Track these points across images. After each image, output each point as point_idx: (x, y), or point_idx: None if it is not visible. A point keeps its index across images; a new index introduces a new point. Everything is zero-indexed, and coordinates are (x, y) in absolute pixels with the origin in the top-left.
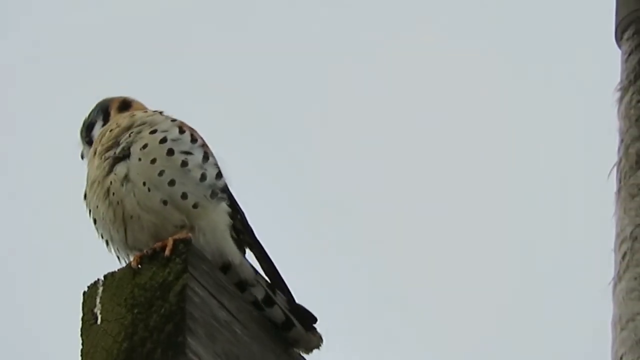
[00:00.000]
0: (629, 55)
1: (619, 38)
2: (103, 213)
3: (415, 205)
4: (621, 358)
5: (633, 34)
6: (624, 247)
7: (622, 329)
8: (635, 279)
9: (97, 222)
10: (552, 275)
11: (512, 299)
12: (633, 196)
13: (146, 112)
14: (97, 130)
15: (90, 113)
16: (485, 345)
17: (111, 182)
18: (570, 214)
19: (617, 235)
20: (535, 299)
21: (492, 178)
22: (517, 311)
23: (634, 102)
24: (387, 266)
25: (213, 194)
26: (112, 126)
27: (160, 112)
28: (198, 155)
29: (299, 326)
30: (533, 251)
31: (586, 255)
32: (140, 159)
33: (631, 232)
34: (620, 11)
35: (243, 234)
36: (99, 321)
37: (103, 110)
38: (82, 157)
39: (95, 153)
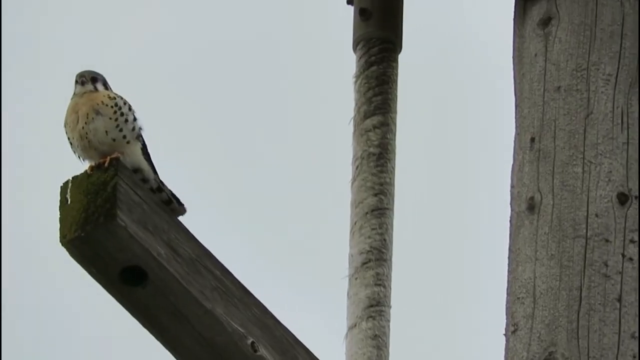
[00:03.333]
0: (360, 58)
1: (354, 48)
2: (77, 141)
3: None
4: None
5: (363, 46)
6: (357, 163)
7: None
8: (364, 179)
9: (72, 144)
10: None
11: None
12: (362, 135)
13: (112, 94)
14: (88, 86)
15: (95, 72)
16: None
17: (87, 132)
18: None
19: (354, 155)
20: None
21: None
22: None
23: (362, 82)
24: None
25: (137, 137)
26: (97, 99)
27: (119, 96)
28: (132, 117)
29: (175, 202)
30: None
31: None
32: (106, 119)
33: (361, 154)
34: (355, 32)
35: (146, 155)
36: (69, 202)
37: (101, 80)
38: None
39: (75, 109)
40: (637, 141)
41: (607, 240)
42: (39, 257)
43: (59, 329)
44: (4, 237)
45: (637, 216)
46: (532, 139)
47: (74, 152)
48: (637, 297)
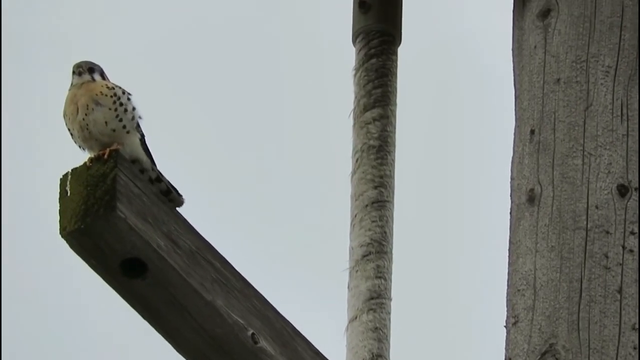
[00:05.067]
0: (359, 51)
1: (354, 41)
2: (77, 132)
3: None
4: None
5: (362, 39)
6: (357, 155)
7: None
8: (364, 172)
9: (73, 135)
10: None
11: None
12: (362, 127)
13: (110, 84)
14: (85, 76)
15: (92, 62)
16: None
17: (87, 124)
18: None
19: (354, 148)
20: None
21: None
22: None
23: (362, 75)
24: None
25: (137, 127)
26: (96, 90)
27: (117, 86)
28: (131, 106)
29: (174, 192)
30: None
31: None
32: (105, 109)
33: (361, 147)
34: (355, 24)
35: (145, 145)
36: (68, 194)
37: (99, 70)
38: (72, 84)
39: (74, 101)
40: (637, 133)
41: (607, 232)
42: (39, 249)
43: (59, 323)
44: (4, 229)
45: (637, 208)
46: (532, 131)
47: (75, 142)
48: (638, 289)
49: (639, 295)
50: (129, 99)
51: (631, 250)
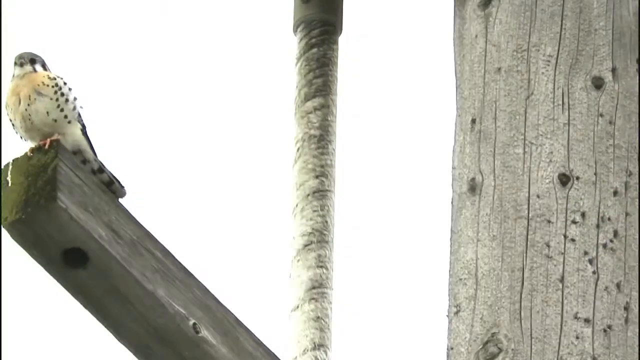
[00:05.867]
0: (300, 40)
1: (295, 31)
2: (19, 122)
3: None
4: None
5: (303, 29)
6: (298, 145)
7: None
8: (305, 162)
9: (15, 126)
10: None
11: None
12: (303, 117)
13: (52, 75)
14: (27, 67)
15: (34, 54)
16: None
17: (29, 114)
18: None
19: (295, 137)
20: None
21: None
22: None
23: (303, 64)
24: None
25: (78, 117)
26: (37, 80)
27: (58, 76)
28: (72, 97)
29: (117, 183)
30: None
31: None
32: (47, 99)
33: (302, 136)
34: (296, 14)
35: (86, 136)
36: (9, 184)
37: (40, 61)
38: (13, 75)
39: (16, 92)
40: (578, 122)
41: (548, 221)
42: None
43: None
44: None
45: (579, 197)
46: (473, 120)
47: (17, 133)
48: (579, 278)
49: (581, 284)
50: (70, 89)
51: (573, 239)
